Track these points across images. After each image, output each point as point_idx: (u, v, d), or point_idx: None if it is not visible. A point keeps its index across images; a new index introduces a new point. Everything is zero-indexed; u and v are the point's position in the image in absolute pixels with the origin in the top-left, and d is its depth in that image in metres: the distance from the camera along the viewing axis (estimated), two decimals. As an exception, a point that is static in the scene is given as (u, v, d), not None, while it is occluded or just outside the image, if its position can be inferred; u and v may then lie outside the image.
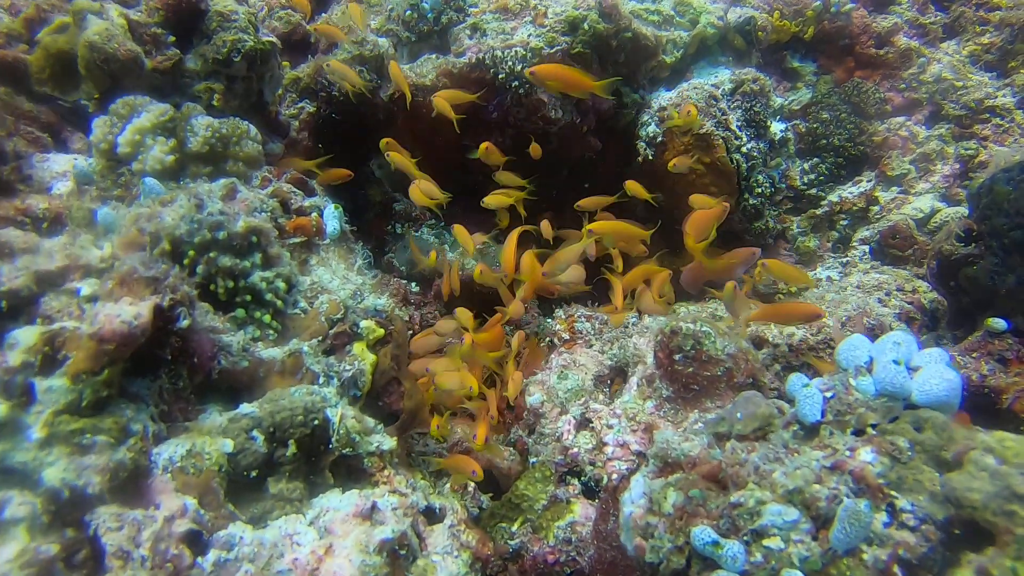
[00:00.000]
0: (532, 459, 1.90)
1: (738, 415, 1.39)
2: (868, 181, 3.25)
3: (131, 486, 1.28)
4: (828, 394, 1.29)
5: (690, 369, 1.76)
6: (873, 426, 1.22)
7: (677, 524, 1.26)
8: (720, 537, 1.19)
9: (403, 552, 1.39)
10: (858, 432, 1.23)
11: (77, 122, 1.93)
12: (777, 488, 1.20)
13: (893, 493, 1.13)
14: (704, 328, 1.78)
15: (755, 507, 1.20)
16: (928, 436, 1.16)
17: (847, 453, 1.20)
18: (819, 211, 3.30)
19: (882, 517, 1.11)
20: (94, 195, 1.74)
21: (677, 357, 1.77)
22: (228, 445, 1.39)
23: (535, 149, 2.47)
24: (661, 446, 1.43)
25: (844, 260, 3.18)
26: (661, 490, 1.33)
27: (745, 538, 1.19)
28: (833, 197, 3.29)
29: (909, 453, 1.16)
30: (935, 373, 1.20)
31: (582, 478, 1.80)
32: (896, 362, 1.21)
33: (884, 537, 1.09)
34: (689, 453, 1.39)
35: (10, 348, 1.25)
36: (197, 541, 1.29)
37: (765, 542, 1.17)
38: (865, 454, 1.18)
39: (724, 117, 2.87)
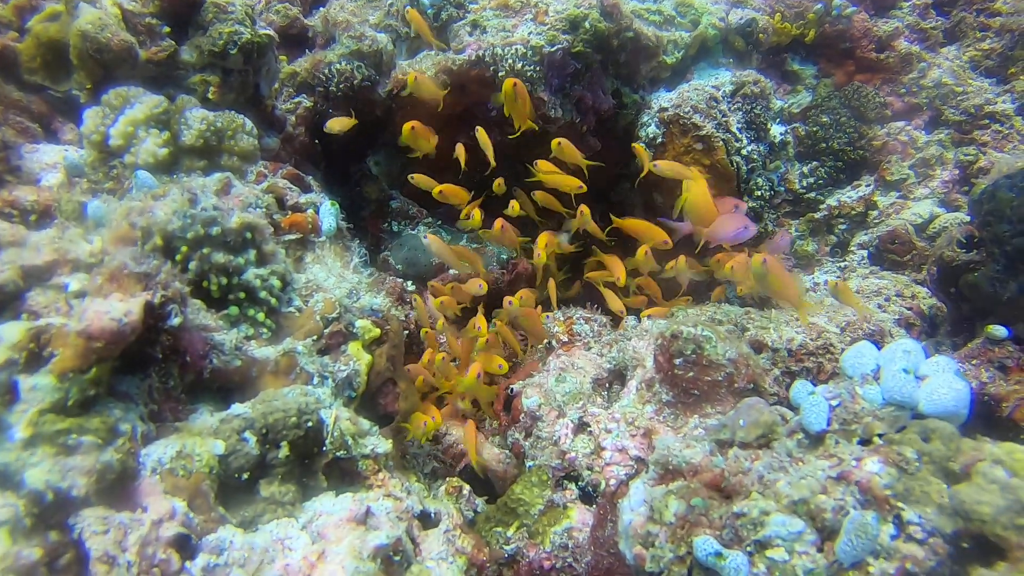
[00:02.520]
0: (529, 463, 1.87)
1: (741, 422, 1.37)
2: (867, 185, 3.23)
3: (118, 488, 1.24)
4: (834, 402, 1.26)
5: (690, 374, 1.73)
6: (880, 436, 1.20)
7: (679, 533, 1.24)
8: (723, 548, 1.17)
9: (397, 558, 1.35)
10: (864, 442, 1.21)
11: (68, 113, 1.89)
12: (782, 498, 1.18)
13: (900, 505, 1.11)
14: (705, 332, 1.76)
15: (759, 517, 1.17)
16: (936, 447, 1.14)
17: (853, 463, 1.18)
18: (817, 215, 3.28)
19: (889, 529, 1.09)
20: (84, 188, 1.70)
21: (677, 361, 1.74)
22: (219, 446, 1.36)
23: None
24: (662, 452, 1.41)
25: (842, 264, 3.17)
26: (662, 498, 1.31)
27: (748, 549, 1.16)
28: (832, 201, 3.27)
29: (916, 464, 1.13)
30: (944, 383, 1.17)
31: (579, 483, 1.77)
32: (906, 371, 1.19)
33: (891, 550, 1.07)
34: (691, 460, 1.36)
35: (-6, 344, 1.21)
36: (186, 545, 1.25)
37: (769, 553, 1.14)
38: (872, 464, 1.15)
39: (725, 119, 2.85)
